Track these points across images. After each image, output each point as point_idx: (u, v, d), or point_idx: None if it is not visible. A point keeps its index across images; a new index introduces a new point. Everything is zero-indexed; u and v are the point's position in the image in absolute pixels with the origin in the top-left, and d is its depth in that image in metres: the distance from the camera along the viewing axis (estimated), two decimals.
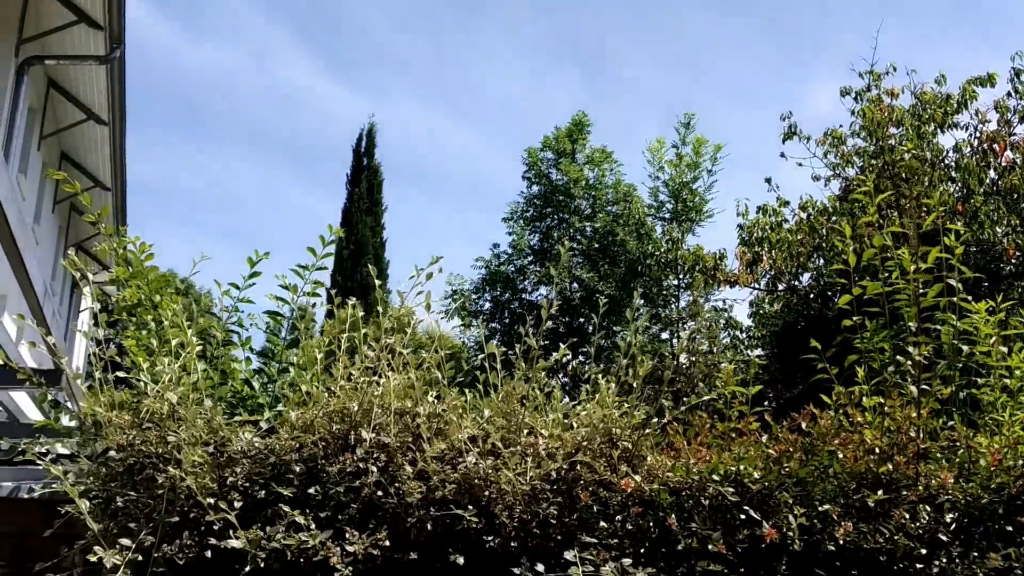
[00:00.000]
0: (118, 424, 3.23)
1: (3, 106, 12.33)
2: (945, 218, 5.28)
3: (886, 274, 5.10)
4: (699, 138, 25.50)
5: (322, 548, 2.98)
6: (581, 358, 22.74)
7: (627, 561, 3.12)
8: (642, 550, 3.28)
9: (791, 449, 3.55)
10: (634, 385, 3.54)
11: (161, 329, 3.76)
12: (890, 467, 3.58)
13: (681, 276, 21.90)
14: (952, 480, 3.64)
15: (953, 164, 15.09)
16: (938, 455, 3.82)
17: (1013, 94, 14.98)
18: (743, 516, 3.36)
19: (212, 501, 3.02)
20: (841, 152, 15.92)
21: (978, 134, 15.12)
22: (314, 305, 4.32)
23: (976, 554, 3.52)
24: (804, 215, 15.59)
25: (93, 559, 2.84)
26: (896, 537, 3.41)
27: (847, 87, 16.11)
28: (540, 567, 3.14)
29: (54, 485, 3.19)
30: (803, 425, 3.71)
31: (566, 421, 3.58)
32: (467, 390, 3.96)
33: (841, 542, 3.36)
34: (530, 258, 26.81)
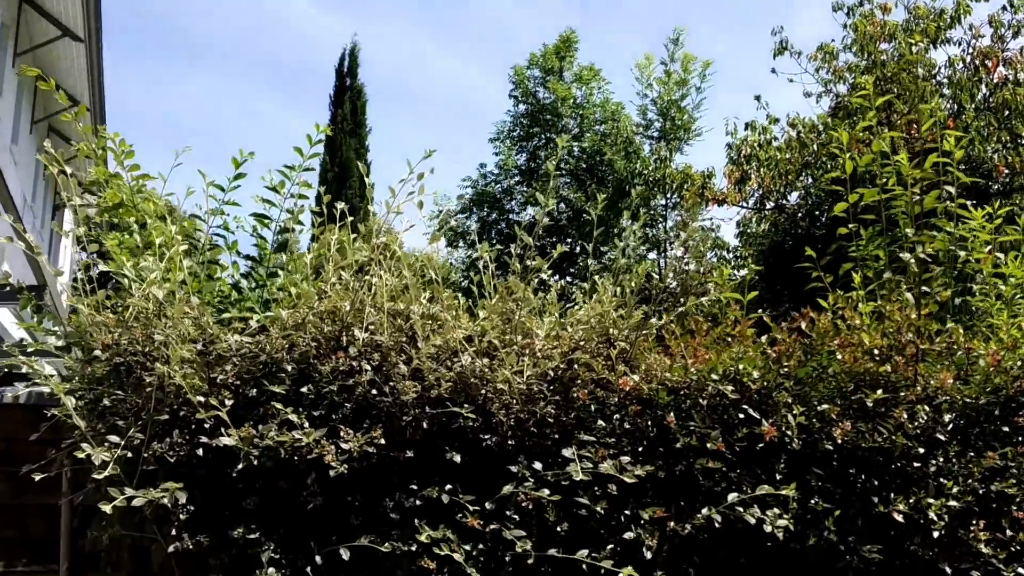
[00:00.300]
0: (102, 323, 3.14)
1: None
2: (936, 132, 5.15)
3: (883, 180, 5.02)
4: (687, 55, 25.10)
5: (316, 446, 2.92)
6: (568, 279, 22.73)
7: (625, 459, 3.08)
8: (640, 449, 3.25)
9: (790, 349, 3.51)
10: (633, 285, 3.45)
11: (144, 229, 3.64)
12: (888, 368, 3.54)
13: (669, 196, 21.77)
14: (950, 381, 3.62)
15: (945, 80, 14.90)
16: (936, 357, 3.79)
17: (1008, 8, 14.71)
18: (741, 415, 3.32)
19: (202, 399, 2.95)
20: (833, 68, 15.68)
21: (971, 50, 14.89)
22: (302, 208, 4.19)
23: (973, 454, 3.52)
24: (794, 132, 15.42)
25: (81, 456, 2.78)
26: (894, 437, 3.39)
27: (839, 1, 15.80)
28: (537, 465, 3.10)
29: (39, 387, 3.12)
30: (802, 326, 3.65)
31: (563, 321, 3.51)
32: (460, 295, 3.88)
33: (839, 441, 3.34)
34: (517, 178, 26.57)
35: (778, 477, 3.26)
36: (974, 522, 3.42)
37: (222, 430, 2.91)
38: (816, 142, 14.70)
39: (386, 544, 2.92)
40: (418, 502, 3.01)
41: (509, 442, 3.15)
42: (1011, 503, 3.48)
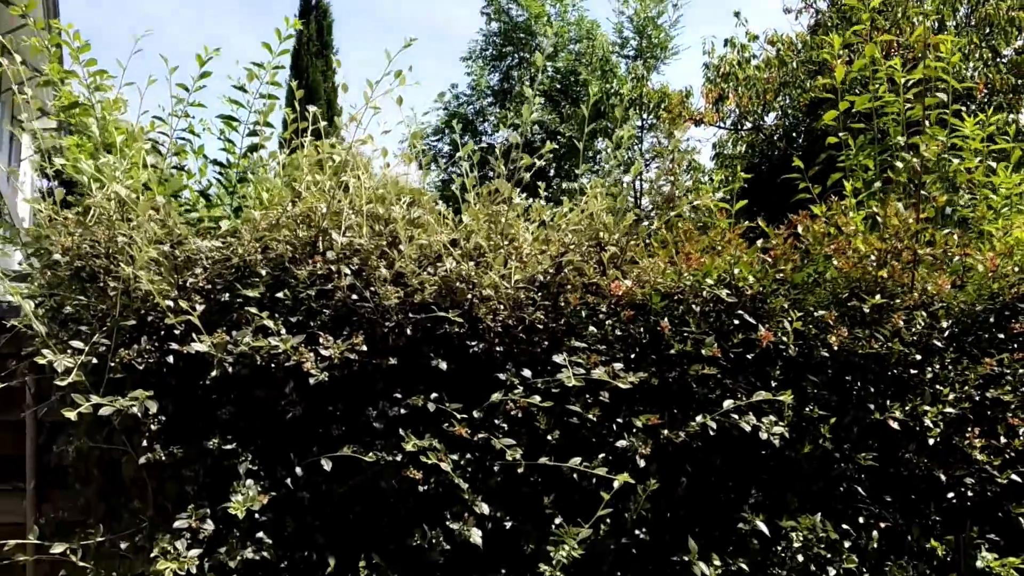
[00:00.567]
0: (61, 224, 2.93)
1: None
2: (928, 34, 4.99)
3: (875, 86, 4.86)
4: None
5: (294, 353, 2.77)
6: (542, 202, 22.41)
7: (618, 366, 2.96)
8: (632, 356, 3.13)
9: (786, 254, 3.38)
10: (625, 182, 3.29)
11: (104, 129, 3.40)
12: (885, 273, 3.43)
13: (645, 116, 21.42)
14: (948, 287, 3.52)
15: None
16: (932, 263, 3.69)
17: None
18: (737, 321, 3.20)
19: (171, 304, 2.77)
20: None
21: None
22: (272, 107, 3.95)
23: (968, 361, 3.44)
24: (773, 51, 15.12)
25: (42, 362, 2.60)
26: (891, 343, 3.29)
27: None
28: (526, 372, 2.97)
29: None
30: (798, 229, 3.52)
31: (552, 224, 3.35)
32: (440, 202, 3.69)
33: (835, 348, 3.24)
34: (490, 99, 26.03)
35: (773, 384, 3.16)
36: (969, 429, 3.36)
37: (193, 336, 2.74)
38: (795, 59, 14.44)
39: (370, 454, 2.79)
40: (403, 411, 2.87)
41: (497, 349, 3.01)
42: (1006, 410, 3.42)
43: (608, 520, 2.91)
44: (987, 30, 13.89)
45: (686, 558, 2.94)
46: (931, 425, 3.27)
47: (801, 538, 3.08)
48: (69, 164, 3.01)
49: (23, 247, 3.23)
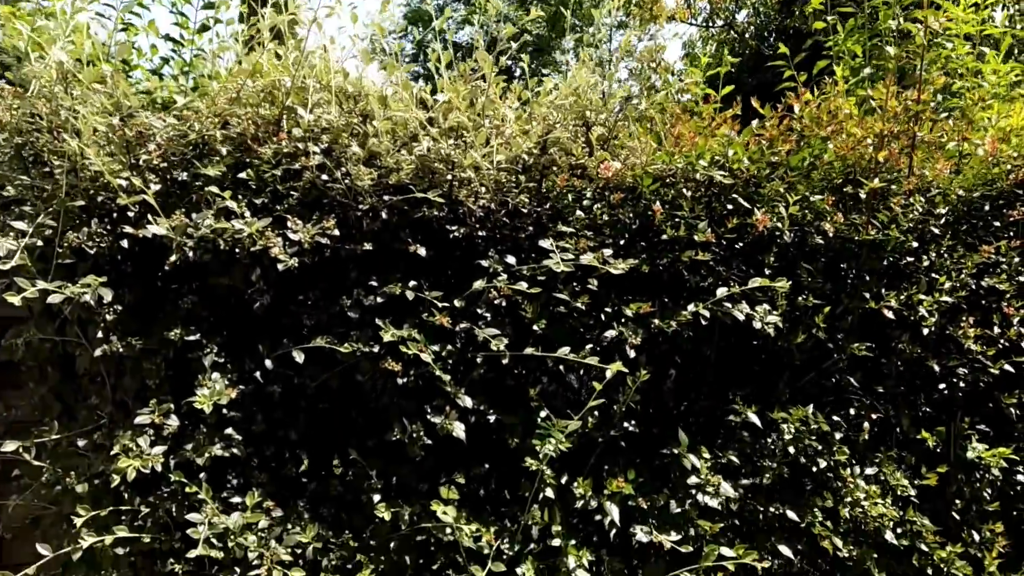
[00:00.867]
0: None
1: None
2: None
3: None
4: None
5: (260, 237, 2.55)
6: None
7: (607, 252, 2.78)
8: (621, 242, 2.95)
9: (783, 134, 3.19)
10: (615, 60, 3.05)
11: None
12: (883, 156, 3.26)
13: (615, 11, 20.83)
14: (947, 172, 3.37)
15: None
16: (928, 148, 3.53)
17: None
18: (731, 205, 3.03)
19: (123, 183, 2.53)
20: None
21: None
22: None
23: (964, 249, 3.32)
24: None
25: None
26: (888, 230, 3.15)
27: None
28: (511, 259, 2.79)
29: None
30: (795, 108, 3.33)
31: (536, 100, 3.11)
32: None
33: (831, 235, 3.09)
34: None
35: (767, 272, 3.01)
36: (963, 319, 3.26)
37: (149, 218, 2.51)
38: None
39: (345, 345, 2.61)
40: (379, 300, 2.68)
41: (479, 234, 2.82)
42: (1001, 299, 3.32)
43: (596, 413, 2.79)
44: None
45: (676, 451, 2.83)
46: (926, 314, 3.16)
47: (792, 430, 2.99)
48: (3, 32, 2.71)
49: None
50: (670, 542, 2.73)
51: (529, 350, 2.69)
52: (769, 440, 3.01)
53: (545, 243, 2.74)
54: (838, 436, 3.05)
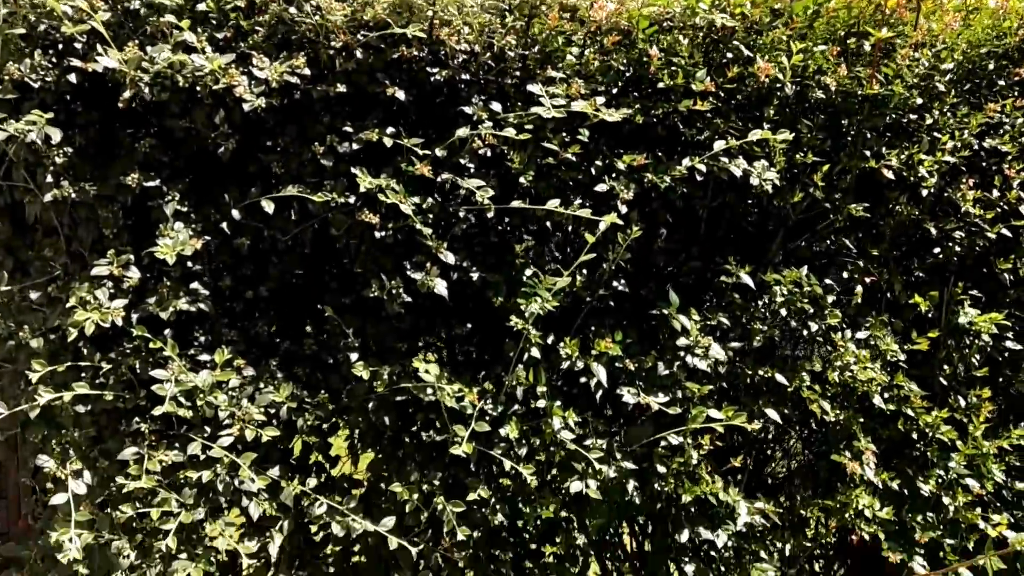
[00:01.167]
0: None
1: None
2: None
3: None
4: None
5: (223, 74, 2.32)
6: None
7: (600, 100, 2.59)
8: (614, 91, 2.76)
9: None
10: None
11: None
12: (892, 6, 3.06)
13: None
14: (956, 24, 3.18)
15: None
16: None
17: None
18: (731, 53, 2.83)
19: (68, 10, 2.27)
20: None
21: None
22: None
23: (968, 108, 3.17)
24: None
25: None
26: (892, 85, 2.97)
27: None
28: (496, 106, 2.59)
29: None
30: None
31: None
32: None
33: (833, 88, 2.91)
34: None
35: (766, 126, 2.84)
36: (964, 181, 3.13)
37: (100, 49, 2.26)
38: None
39: (318, 194, 2.43)
40: (355, 147, 2.49)
41: (462, 78, 2.61)
42: (1003, 160, 3.19)
43: (584, 271, 2.65)
44: None
45: (666, 311, 2.72)
46: (926, 175, 3.03)
47: (784, 292, 2.88)
48: None
49: None
50: (657, 403, 2.65)
51: (516, 203, 2.52)
52: (760, 303, 2.91)
53: (534, 88, 2.54)
54: (830, 299, 2.95)
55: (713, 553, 3.00)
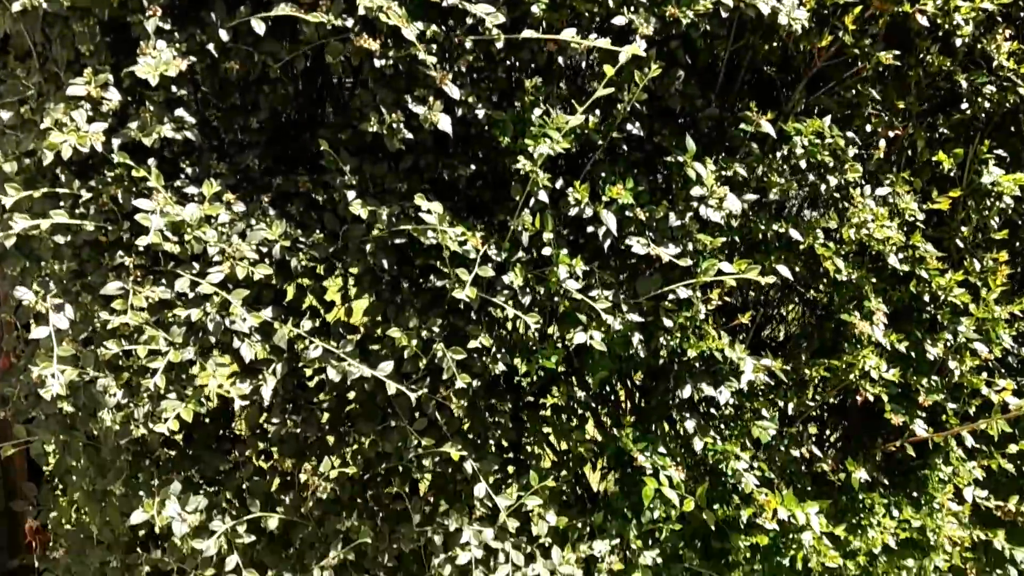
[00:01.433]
0: None
1: None
2: None
3: None
4: None
5: None
6: None
7: None
8: None
9: None
10: None
11: None
12: None
13: None
14: None
15: None
16: None
17: None
18: None
19: None
20: None
21: None
22: None
23: None
24: None
25: None
26: None
27: None
28: None
29: None
30: None
31: None
32: None
33: None
34: None
35: None
36: (1000, 31, 2.95)
37: None
38: None
39: (312, 14, 2.22)
40: None
41: None
42: None
43: (598, 112, 2.49)
44: None
45: (681, 158, 2.57)
46: (961, 23, 2.83)
47: (805, 143, 2.73)
48: None
49: None
50: (668, 255, 2.53)
51: (528, 32, 2.33)
52: (779, 154, 2.76)
53: None
54: (851, 153, 2.81)
55: (713, 410, 2.95)
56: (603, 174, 2.58)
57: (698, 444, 2.79)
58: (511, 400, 2.78)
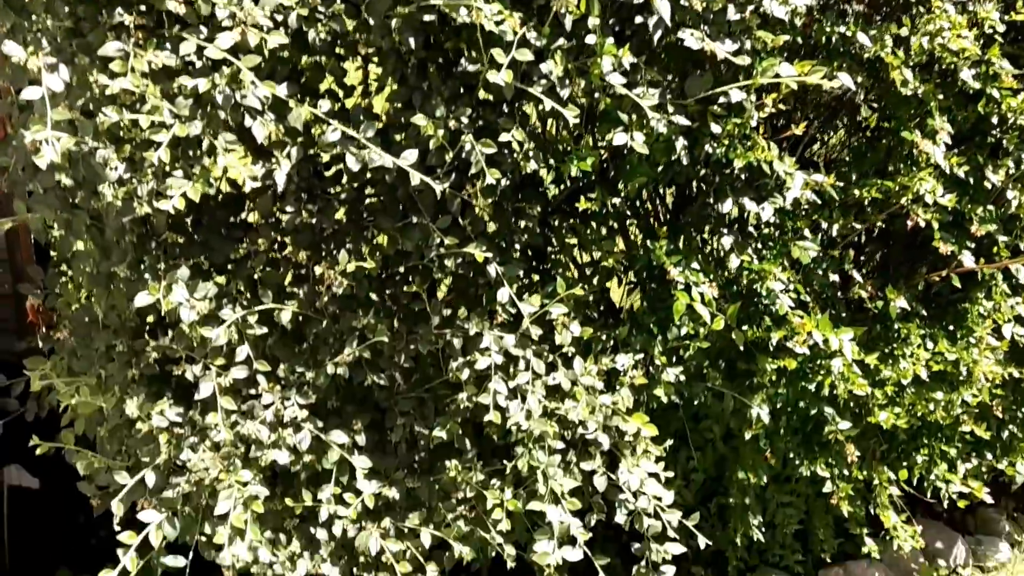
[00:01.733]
0: None
1: None
2: None
3: None
4: None
5: None
6: None
7: None
8: None
9: None
10: None
11: None
12: None
13: None
14: None
15: None
16: None
17: None
18: None
19: None
20: None
21: None
22: None
23: None
24: None
25: None
26: None
27: None
28: None
29: None
30: None
31: None
32: None
33: None
34: None
35: None
36: None
37: None
38: None
39: None
40: None
41: None
42: None
43: None
44: None
45: None
46: None
47: None
48: None
49: None
50: (724, 51, 2.29)
51: None
52: None
53: None
54: None
55: (751, 229, 2.78)
56: None
57: (734, 262, 2.64)
58: (540, 203, 2.61)
